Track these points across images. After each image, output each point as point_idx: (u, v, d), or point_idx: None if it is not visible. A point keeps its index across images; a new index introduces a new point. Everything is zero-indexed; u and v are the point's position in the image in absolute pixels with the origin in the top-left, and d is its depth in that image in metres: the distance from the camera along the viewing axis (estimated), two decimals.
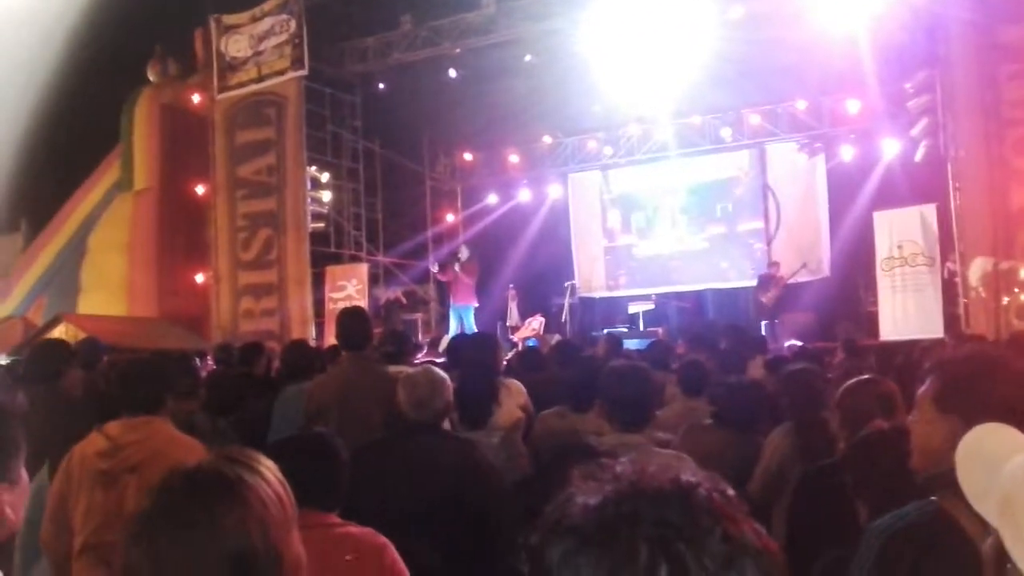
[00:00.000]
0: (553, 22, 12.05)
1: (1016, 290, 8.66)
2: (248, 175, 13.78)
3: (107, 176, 15.25)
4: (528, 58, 12.79)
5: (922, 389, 1.84)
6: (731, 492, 0.83)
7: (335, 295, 13.28)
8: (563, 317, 14.14)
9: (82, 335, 10.60)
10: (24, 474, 1.52)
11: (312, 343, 10.81)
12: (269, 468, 1.36)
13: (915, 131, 11.28)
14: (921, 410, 1.82)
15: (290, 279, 13.24)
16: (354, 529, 2.29)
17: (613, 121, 14.77)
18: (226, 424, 4.34)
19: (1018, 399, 1.64)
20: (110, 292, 13.98)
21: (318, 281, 13.36)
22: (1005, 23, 9.09)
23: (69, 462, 3.03)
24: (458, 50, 12.99)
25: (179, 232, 14.28)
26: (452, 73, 13.41)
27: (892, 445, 2.26)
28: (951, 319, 9.66)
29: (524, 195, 16.49)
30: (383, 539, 2.27)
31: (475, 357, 4.60)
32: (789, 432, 3.72)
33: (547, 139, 15.86)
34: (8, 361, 9.84)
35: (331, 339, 12.08)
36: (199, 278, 14.15)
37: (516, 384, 4.64)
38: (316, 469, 2.29)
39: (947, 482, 1.54)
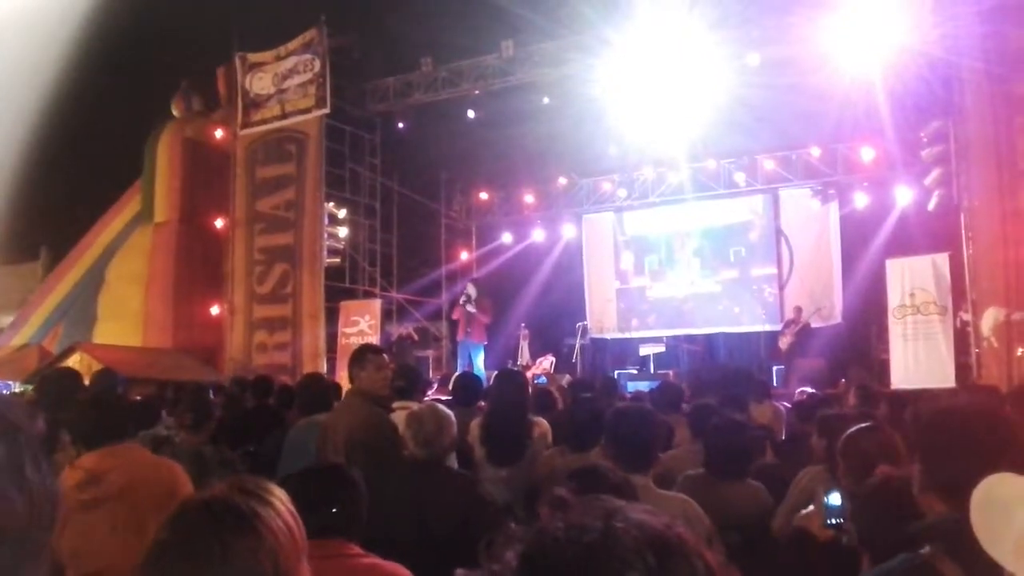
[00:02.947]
0: (570, 67, 12.24)
1: None
2: (267, 209, 13.97)
3: (128, 208, 15.49)
4: (545, 101, 12.97)
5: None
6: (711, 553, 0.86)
7: (348, 330, 13.36)
8: (573, 357, 14.16)
9: (96, 365, 10.70)
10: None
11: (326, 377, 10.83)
12: (279, 498, 1.40)
13: (929, 180, 11.32)
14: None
15: (304, 313, 13.35)
16: (378, 561, 2.31)
17: (628, 163, 14.89)
18: (234, 456, 4.39)
19: (978, 448, 1.68)
20: (126, 322, 14.13)
21: (332, 316, 13.45)
22: (1020, 75, 9.16)
23: None
24: (477, 92, 13.20)
25: (196, 265, 14.46)
26: (470, 114, 13.60)
27: (895, 496, 2.29)
28: (963, 369, 9.61)
29: (538, 235, 16.60)
30: (405, 571, 2.28)
31: (507, 395, 4.58)
32: (822, 475, 3.68)
33: (562, 180, 16.00)
34: (22, 389, 9.95)
35: (343, 374, 12.14)
36: (214, 310, 14.28)
37: (543, 422, 4.66)
38: (336, 499, 2.33)
39: (935, 534, 1.58)
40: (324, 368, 12.79)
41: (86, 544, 2.88)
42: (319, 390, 5.36)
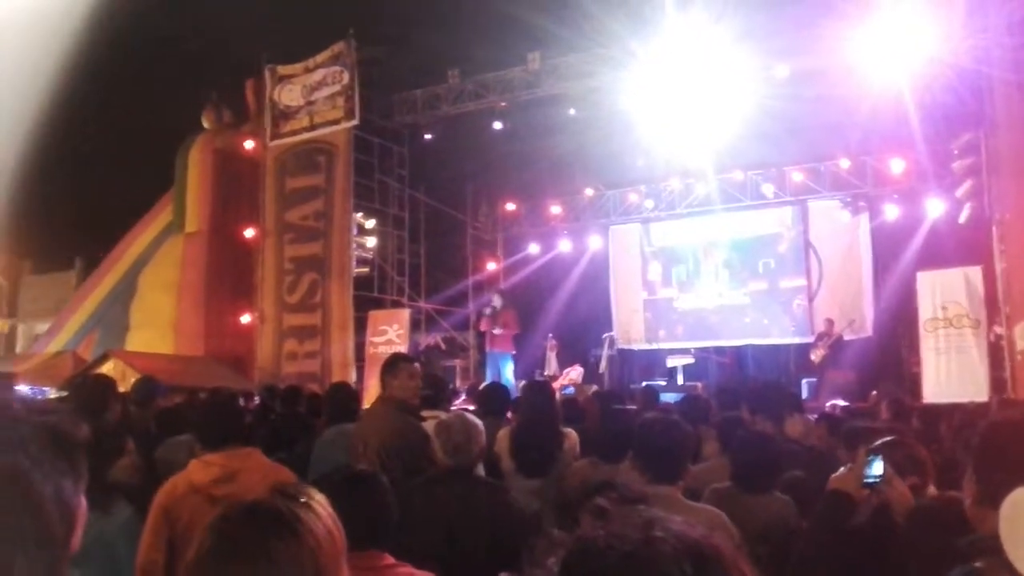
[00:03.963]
0: (597, 79, 12.29)
1: None
2: (296, 220, 14.12)
3: (160, 218, 15.73)
4: (572, 112, 13.02)
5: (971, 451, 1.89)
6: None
7: (376, 339, 13.44)
8: (601, 368, 14.13)
9: (129, 371, 10.87)
10: (84, 502, 1.61)
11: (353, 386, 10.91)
12: (321, 503, 1.43)
13: (960, 192, 11.20)
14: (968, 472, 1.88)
15: (333, 323, 13.46)
16: (413, 571, 2.31)
17: (655, 175, 14.88)
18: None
19: None
20: (158, 330, 14.32)
21: (360, 325, 13.54)
22: None
23: (168, 495, 3.18)
24: (503, 103, 13.28)
25: (227, 274, 14.64)
26: (497, 125, 13.67)
27: (944, 510, 2.27)
28: (997, 383, 9.47)
29: (565, 246, 16.60)
30: None
31: (537, 406, 4.58)
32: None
33: (589, 191, 16.01)
34: (58, 394, 10.10)
35: (371, 383, 12.22)
36: (244, 319, 14.43)
37: (573, 433, 4.66)
38: (370, 508, 2.34)
39: (987, 547, 1.57)
40: (353, 377, 12.88)
41: None
42: (346, 399, 5.41)
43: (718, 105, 11.57)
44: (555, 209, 16.41)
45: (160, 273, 14.91)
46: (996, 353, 9.68)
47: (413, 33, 13.80)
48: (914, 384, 10.95)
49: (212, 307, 14.30)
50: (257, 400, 7.81)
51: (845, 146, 13.22)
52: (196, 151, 15.18)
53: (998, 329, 9.70)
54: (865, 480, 2.51)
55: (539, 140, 13.54)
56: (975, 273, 10.11)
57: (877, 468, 2.51)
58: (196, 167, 15.06)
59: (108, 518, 2.98)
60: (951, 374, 10.02)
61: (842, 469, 2.67)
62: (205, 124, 15.66)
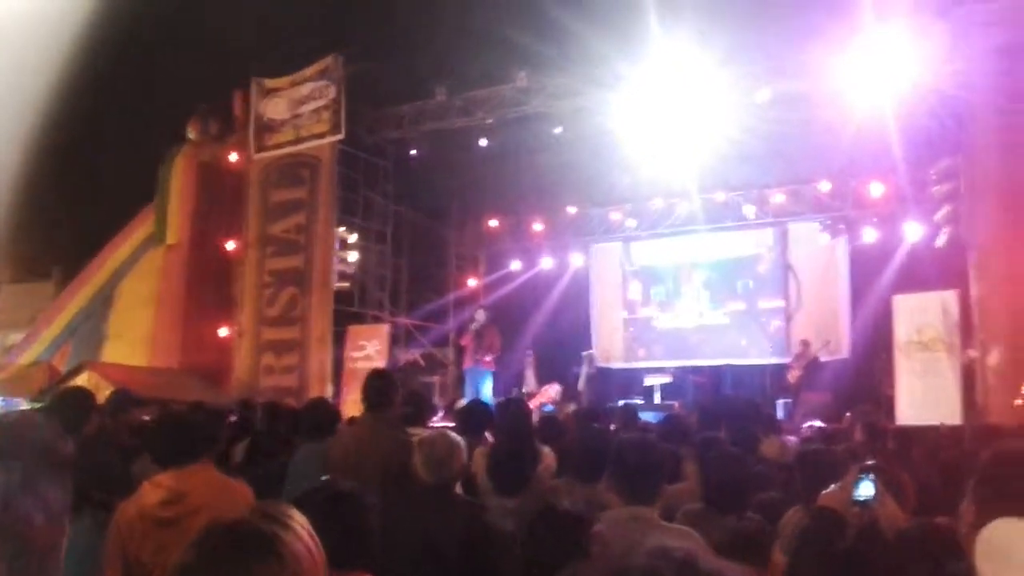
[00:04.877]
0: (583, 99, 12.39)
1: None
2: (278, 233, 14.09)
3: (140, 230, 15.62)
4: (558, 131, 13.09)
5: (972, 480, 1.93)
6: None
7: (355, 354, 13.40)
8: (580, 386, 14.14)
9: (104, 383, 10.77)
10: (68, 514, 1.61)
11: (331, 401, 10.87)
12: (301, 523, 1.42)
13: (938, 217, 11.35)
14: (966, 499, 1.92)
15: (312, 337, 13.41)
16: None
17: (638, 194, 14.98)
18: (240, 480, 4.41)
19: None
20: (134, 342, 14.21)
21: (339, 340, 13.50)
22: None
23: (121, 517, 3.15)
24: (490, 121, 13.32)
25: (207, 286, 14.55)
26: (483, 142, 13.72)
27: (935, 537, 2.30)
28: (970, 407, 9.57)
29: (547, 263, 16.64)
30: None
31: (513, 424, 4.59)
32: (801, 516, 3.71)
33: (572, 209, 16.07)
34: (31, 405, 10.00)
35: (349, 398, 12.18)
36: (223, 332, 14.34)
37: (550, 452, 4.67)
38: (351, 526, 2.29)
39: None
40: (330, 392, 12.83)
41: (164, 560, 2.95)
42: (325, 414, 5.40)
43: (702, 126, 11.70)
44: (538, 226, 16.46)
45: (139, 285, 14.81)
46: (969, 377, 9.79)
47: (401, 49, 13.87)
48: (888, 406, 11.04)
49: (190, 319, 14.21)
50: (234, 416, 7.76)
51: (826, 169, 13.37)
52: (180, 162, 15.11)
53: (972, 353, 9.82)
54: (855, 499, 2.54)
55: (524, 158, 13.62)
56: (951, 297, 10.23)
57: (868, 487, 2.54)
58: (179, 178, 14.99)
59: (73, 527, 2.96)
60: (925, 397, 10.12)
61: (832, 487, 2.71)
62: (190, 135, 15.60)
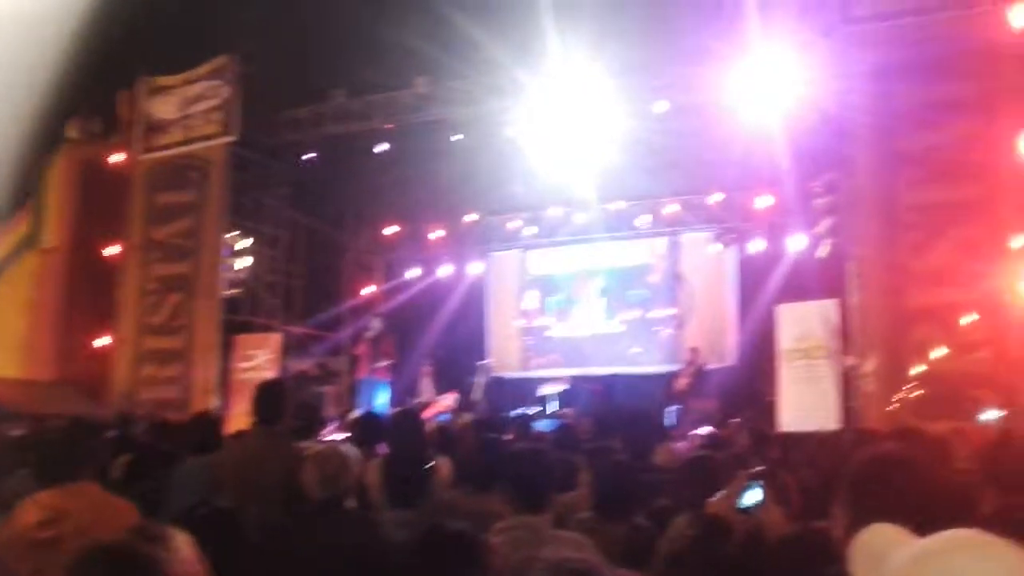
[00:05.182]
0: (483, 106, 12.41)
1: (908, 386, 9.08)
2: (164, 237, 13.53)
3: (14, 233, 14.72)
4: (457, 138, 13.08)
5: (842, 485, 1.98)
6: None
7: (244, 364, 12.99)
8: (476, 396, 14.14)
9: None
10: None
11: (217, 414, 10.50)
12: (184, 544, 1.36)
13: (820, 229, 11.87)
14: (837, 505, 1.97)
15: (197, 346, 12.89)
16: None
17: (537, 202, 15.12)
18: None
19: (901, 499, 1.77)
20: (6, 352, 13.37)
21: (227, 350, 13.06)
22: (906, 132, 9.68)
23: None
24: (389, 126, 13.20)
25: (85, 293, 13.80)
26: (381, 148, 13.59)
27: (813, 542, 2.37)
28: (848, 413, 10.01)
29: (445, 271, 16.60)
30: None
31: (407, 435, 4.54)
32: (688, 522, 3.78)
33: (471, 217, 16.08)
34: None
35: (236, 410, 11.80)
36: (102, 341, 13.65)
37: (445, 463, 4.63)
38: (230, 544, 2.25)
39: None
40: (216, 404, 12.37)
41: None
42: (209, 429, 5.22)
43: (599, 136, 11.92)
44: (436, 234, 16.40)
45: (12, 291, 13.93)
46: (847, 384, 10.25)
47: (299, 51, 13.53)
48: (772, 412, 11.44)
49: (67, 328, 13.45)
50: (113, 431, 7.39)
51: (718, 181, 13.81)
52: (60, 163, 14.32)
53: (850, 360, 10.28)
54: (741, 506, 2.60)
55: (423, 164, 13.53)
56: (831, 307, 10.70)
57: (754, 494, 2.60)
58: (59, 180, 14.19)
59: None
60: (805, 403, 10.54)
61: (720, 494, 2.77)
62: (72, 135, 14.81)
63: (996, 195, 8.71)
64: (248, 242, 14.16)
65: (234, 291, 13.75)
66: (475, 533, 2.58)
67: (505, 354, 15.94)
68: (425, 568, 2.43)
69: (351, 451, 3.56)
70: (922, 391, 8.74)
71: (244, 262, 14.10)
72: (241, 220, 13.83)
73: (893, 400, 8.92)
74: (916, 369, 8.95)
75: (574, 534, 3.32)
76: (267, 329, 14.04)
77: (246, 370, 12.74)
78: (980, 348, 8.50)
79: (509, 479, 3.26)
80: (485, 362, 14.79)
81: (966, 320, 8.69)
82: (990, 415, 8.05)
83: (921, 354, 8.97)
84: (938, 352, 8.80)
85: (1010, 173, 8.58)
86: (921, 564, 1.12)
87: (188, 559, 1.34)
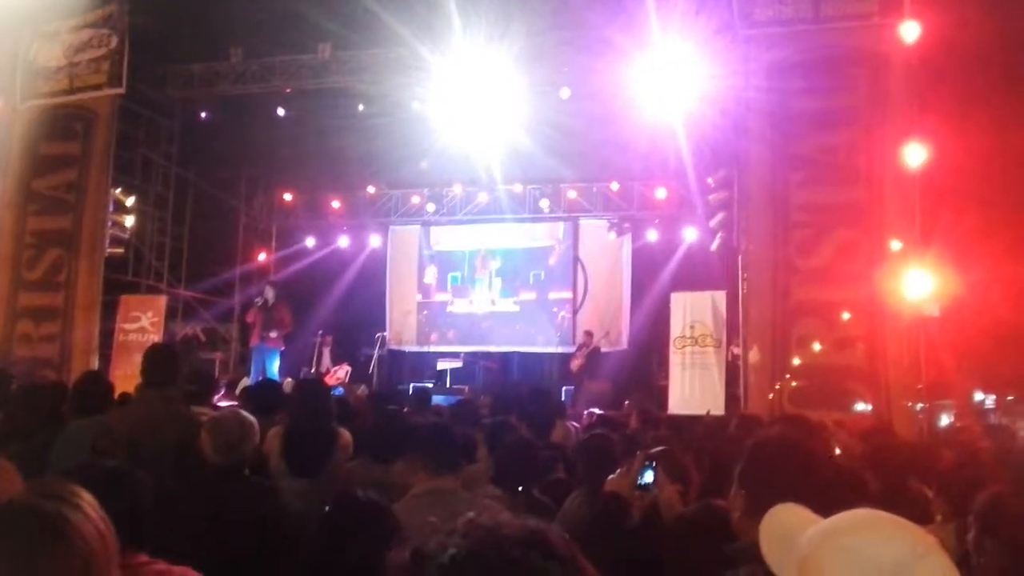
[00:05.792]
0: (388, 79, 12.20)
1: (788, 376, 9.52)
2: (44, 189, 12.73)
3: None
4: (360, 108, 12.83)
5: (738, 468, 2.06)
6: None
7: (128, 326, 12.47)
8: (371, 368, 14.02)
9: None
10: None
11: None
12: (90, 503, 1.30)
13: (713, 222, 12.24)
14: (734, 485, 2.05)
15: (78, 305, 12.23)
16: (167, 567, 2.17)
17: (439, 179, 15.05)
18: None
19: (797, 481, 1.87)
20: None
21: (110, 310, 12.47)
22: (800, 134, 10.06)
23: None
24: (288, 89, 12.83)
25: None
26: (280, 112, 13.20)
27: (715, 518, 2.46)
28: (732, 399, 10.44)
29: (343, 242, 16.35)
30: (195, 574, 2.18)
31: (311, 404, 4.46)
32: (583, 499, 3.86)
33: (371, 189, 15.86)
34: None
35: (119, 372, 11.32)
36: None
37: (347, 434, 4.58)
38: (128, 505, 2.16)
39: (749, 555, 1.72)
40: (96, 364, 11.83)
41: None
42: (99, 389, 4.98)
43: (502, 118, 11.93)
44: (335, 204, 16.10)
45: None
46: (733, 371, 10.67)
47: (196, 4, 12.95)
48: (662, 396, 11.84)
49: None
50: None
51: (618, 169, 14.07)
52: None
53: (735, 349, 10.70)
54: (638, 484, 2.69)
55: (324, 132, 13.22)
56: (720, 297, 11.12)
57: (650, 474, 2.70)
58: None
59: None
60: (694, 388, 10.95)
61: (618, 471, 2.85)
62: None
63: (880, 200, 9.16)
64: (133, 200, 13.48)
65: (119, 250, 13.09)
66: (385, 502, 2.57)
67: (403, 328, 15.87)
68: (336, 537, 2.41)
69: (251, 418, 3.47)
70: (801, 382, 9.17)
71: (130, 220, 13.43)
72: (128, 177, 13.18)
73: (774, 389, 9.33)
74: (796, 361, 9.38)
75: (485, 500, 3.36)
76: (153, 291, 13.50)
77: (130, 332, 12.25)
78: (856, 344, 8.95)
79: (419, 446, 3.27)
80: (381, 335, 14.67)
81: (845, 317, 9.16)
82: (862, 407, 8.54)
83: (801, 347, 9.40)
84: (817, 346, 9.24)
85: (893, 180, 9.03)
86: (831, 541, 1.18)
87: (97, 520, 1.28)
